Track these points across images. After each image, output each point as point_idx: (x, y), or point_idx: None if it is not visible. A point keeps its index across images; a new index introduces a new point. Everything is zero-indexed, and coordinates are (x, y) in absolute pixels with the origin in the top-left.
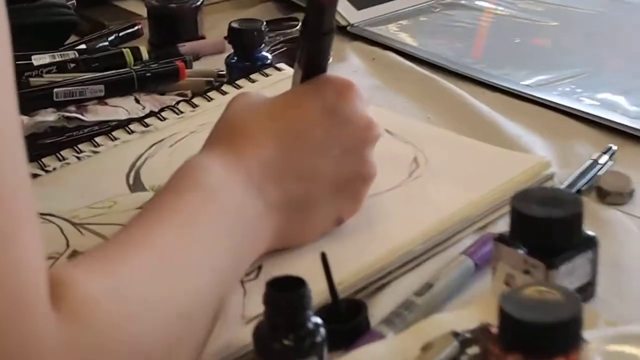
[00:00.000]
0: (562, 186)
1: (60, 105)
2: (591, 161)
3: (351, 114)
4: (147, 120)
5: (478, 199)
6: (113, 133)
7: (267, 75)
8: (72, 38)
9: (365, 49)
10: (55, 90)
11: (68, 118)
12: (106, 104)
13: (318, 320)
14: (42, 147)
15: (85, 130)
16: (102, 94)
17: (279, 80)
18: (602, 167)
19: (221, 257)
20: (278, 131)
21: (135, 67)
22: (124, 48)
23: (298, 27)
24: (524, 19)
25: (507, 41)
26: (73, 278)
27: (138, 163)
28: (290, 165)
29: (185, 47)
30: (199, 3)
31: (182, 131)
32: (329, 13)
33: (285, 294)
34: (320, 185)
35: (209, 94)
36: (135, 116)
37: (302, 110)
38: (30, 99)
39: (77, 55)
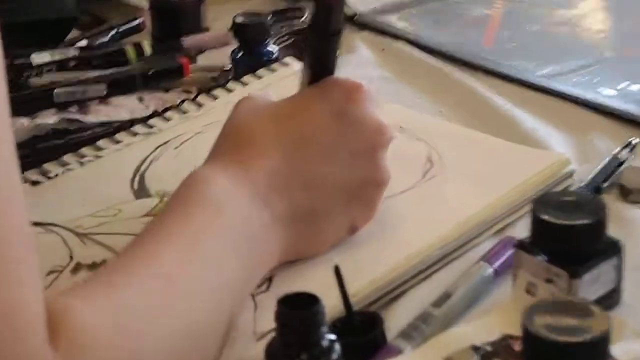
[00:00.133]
0: (582, 184)
1: (61, 106)
2: (611, 157)
3: (361, 117)
4: (150, 122)
5: (496, 200)
6: (116, 136)
7: (273, 70)
8: (72, 33)
9: (375, 39)
10: (55, 91)
11: (69, 120)
12: (108, 103)
13: (333, 336)
14: (43, 150)
15: (88, 132)
16: (104, 93)
17: (286, 76)
18: (622, 163)
19: (229, 274)
20: (284, 138)
21: (137, 65)
22: (126, 44)
23: (304, 17)
24: (538, 6)
25: (521, 29)
26: (71, 309)
27: (142, 167)
28: (297, 174)
29: (189, 40)
30: None
31: (188, 132)
32: (336, 13)
33: (298, 312)
34: (331, 194)
35: (214, 92)
36: (139, 116)
37: (309, 114)
38: (31, 101)
39: (78, 53)
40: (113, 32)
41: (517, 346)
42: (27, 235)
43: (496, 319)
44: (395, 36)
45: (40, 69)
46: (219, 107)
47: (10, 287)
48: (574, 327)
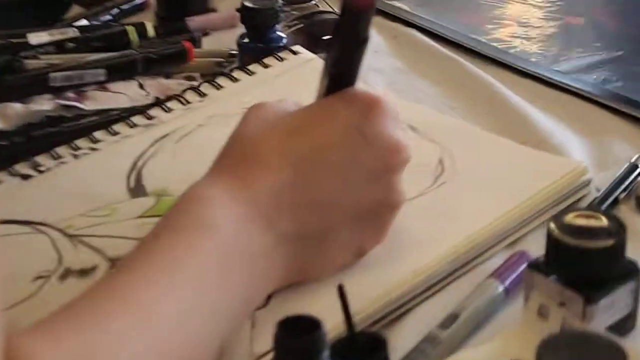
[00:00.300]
0: (599, 194)
1: (57, 91)
2: (630, 165)
3: (379, 135)
4: (150, 112)
5: (509, 211)
6: (114, 127)
7: (281, 59)
8: (72, 10)
9: (387, 25)
10: (51, 75)
11: (66, 107)
12: (107, 89)
13: None
14: (36, 139)
15: (84, 120)
16: (104, 78)
17: (294, 65)
18: None
19: (220, 303)
20: (295, 153)
21: (139, 49)
22: (128, 25)
23: (315, 1)
24: None
25: (538, 21)
26: (34, 354)
27: (140, 162)
28: (306, 193)
29: (195, 21)
30: None
31: (189, 124)
32: (364, 20)
33: (298, 338)
34: (340, 215)
35: (218, 81)
36: (139, 104)
37: (323, 130)
38: (25, 85)
39: (77, 34)
40: (115, 10)
41: None
42: None
43: (506, 343)
44: (408, 23)
45: (37, 49)
46: (223, 98)
47: None
48: None
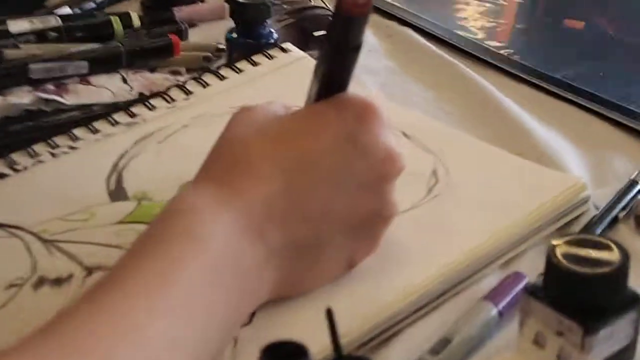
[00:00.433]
0: (597, 212)
1: (37, 83)
2: (629, 181)
3: (372, 143)
4: (133, 109)
5: (506, 228)
6: (94, 124)
7: (271, 57)
8: None
9: (381, 23)
10: (31, 66)
11: (45, 100)
12: (89, 83)
13: None
14: (13, 134)
15: (64, 116)
16: (86, 71)
17: (284, 64)
18: None
19: (213, 322)
20: (286, 161)
21: (123, 41)
22: (113, 14)
23: None
24: None
25: (538, 22)
26: None
27: (121, 163)
28: (298, 203)
29: (182, 11)
30: None
31: (173, 124)
32: (358, 26)
33: None
34: (332, 226)
35: (205, 78)
36: (122, 99)
37: (315, 137)
38: (4, 75)
39: (60, 22)
40: None
41: None
42: None
43: None
44: (403, 21)
45: (17, 38)
46: (209, 97)
47: None
48: None
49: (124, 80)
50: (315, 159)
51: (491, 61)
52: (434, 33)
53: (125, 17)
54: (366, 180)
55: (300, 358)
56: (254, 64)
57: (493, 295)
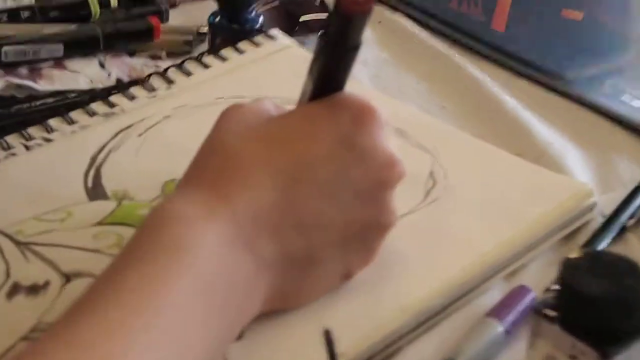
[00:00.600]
0: (603, 219)
1: (9, 67)
2: (636, 187)
3: (370, 148)
4: (112, 99)
5: (510, 238)
6: (70, 114)
7: (257, 44)
8: None
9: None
10: (4, 49)
11: (18, 86)
12: (64, 67)
13: None
14: None
15: (38, 103)
16: (61, 54)
17: (270, 52)
18: None
19: (203, 343)
20: (278, 167)
21: (101, 22)
22: None
23: None
24: None
25: (535, 12)
26: None
27: (100, 157)
28: (291, 212)
29: None
30: None
31: (155, 115)
32: (356, 26)
33: None
34: (327, 237)
35: (187, 66)
36: (99, 86)
37: (310, 140)
38: None
39: (33, 1)
40: None
41: None
42: None
43: None
44: (394, 8)
45: None
46: (192, 86)
47: None
48: None
49: (102, 65)
50: (309, 164)
51: (488, 53)
52: (426, 22)
53: None
54: (363, 188)
55: None
56: (240, 51)
57: (498, 312)
